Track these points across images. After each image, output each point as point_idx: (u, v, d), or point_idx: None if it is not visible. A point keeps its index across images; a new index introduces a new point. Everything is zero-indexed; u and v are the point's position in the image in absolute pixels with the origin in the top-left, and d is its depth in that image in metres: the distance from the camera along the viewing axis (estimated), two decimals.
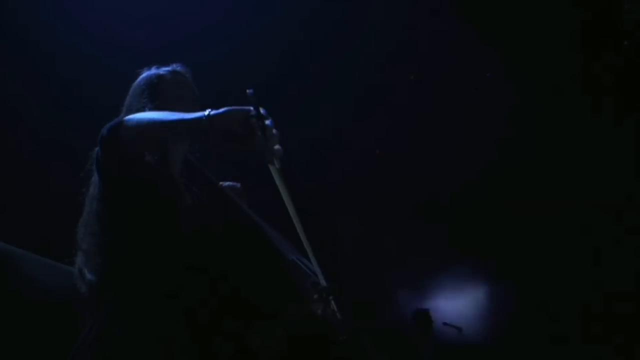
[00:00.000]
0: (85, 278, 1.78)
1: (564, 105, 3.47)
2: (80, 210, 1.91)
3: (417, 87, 3.57)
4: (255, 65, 3.30)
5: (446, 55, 3.55)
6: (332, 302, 1.80)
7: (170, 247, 1.76)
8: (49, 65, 3.17)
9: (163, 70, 2.02)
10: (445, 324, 3.53)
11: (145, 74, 2.02)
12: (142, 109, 1.85)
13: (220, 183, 2.05)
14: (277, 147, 1.53)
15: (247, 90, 1.48)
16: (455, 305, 3.63)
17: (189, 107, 1.94)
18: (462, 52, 3.52)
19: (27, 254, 2.04)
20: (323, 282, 1.82)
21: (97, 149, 1.70)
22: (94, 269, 1.77)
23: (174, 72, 2.02)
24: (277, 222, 1.93)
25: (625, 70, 3.41)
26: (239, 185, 2.13)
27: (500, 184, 3.48)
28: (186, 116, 1.56)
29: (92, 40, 3.20)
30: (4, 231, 2.16)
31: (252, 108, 1.49)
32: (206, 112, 1.51)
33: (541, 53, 3.45)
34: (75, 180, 1.88)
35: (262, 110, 1.48)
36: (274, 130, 1.52)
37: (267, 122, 1.50)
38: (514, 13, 3.43)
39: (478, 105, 3.56)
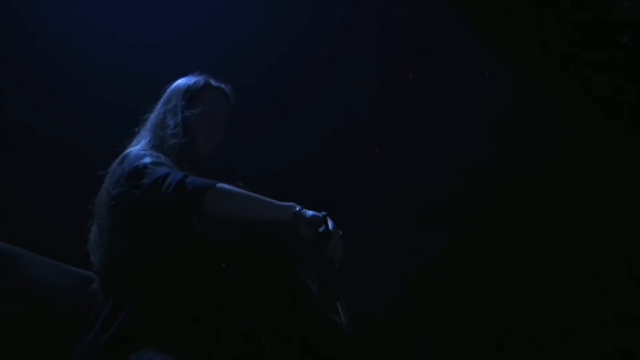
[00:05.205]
0: (97, 249, 1.87)
1: (567, 104, 3.47)
2: (78, 212, 1.94)
3: (417, 86, 3.57)
4: (258, 64, 3.31)
5: (446, 54, 3.55)
6: (339, 305, 1.84)
7: (176, 249, 1.78)
8: (47, 63, 3.18)
9: (209, 81, 2.09)
10: None
11: (192, 78, 2.08)
12: (176, 113, 1.97)
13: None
14: (339, 254, 1.80)
15: (321, 213, 1.78)
16: None
17: (217, 127, 1.99)
18: (462, 51, 3.52)
19: (27, 253, 2.04)
20: (331, 285, 1.85)
21: (163, 188, 1.72)
22: (101, 244, 1.86)
23: (218, 88, 2.10)
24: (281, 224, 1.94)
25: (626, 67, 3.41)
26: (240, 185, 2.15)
27: (505, 187, 3.47)
28: (277, 203, 1.76)
29: (92, 39, 3.20)
30: (4, 231, 2.17)
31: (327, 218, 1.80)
32: (297, 208, 1.75)
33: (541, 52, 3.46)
34: (75, 180, 1.89)
35: (330, 224, 1.79)
36: (340, 239, 1.80)
37: (340, 233, 1.79)
38: (514, 12, 3.43)
39: (478, 105, 3.56)
